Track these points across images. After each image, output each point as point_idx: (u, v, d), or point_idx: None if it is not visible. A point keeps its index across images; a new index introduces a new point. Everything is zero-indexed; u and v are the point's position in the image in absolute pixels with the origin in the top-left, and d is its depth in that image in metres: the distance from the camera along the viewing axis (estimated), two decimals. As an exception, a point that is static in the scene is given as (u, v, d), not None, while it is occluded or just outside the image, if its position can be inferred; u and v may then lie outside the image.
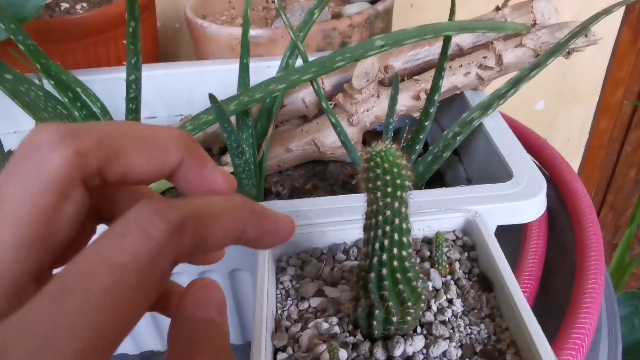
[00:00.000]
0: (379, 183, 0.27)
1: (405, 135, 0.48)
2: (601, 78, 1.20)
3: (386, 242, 0.29)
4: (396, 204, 0.28)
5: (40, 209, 0.15)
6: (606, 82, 1.22)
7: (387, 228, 0.28)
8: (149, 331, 0.49)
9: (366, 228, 0.29)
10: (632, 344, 0.58)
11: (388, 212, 0.28)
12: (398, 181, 0.27)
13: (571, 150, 1.31)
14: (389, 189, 0.27)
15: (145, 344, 0.50)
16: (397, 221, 0.28)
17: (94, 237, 0.17)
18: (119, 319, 0.14)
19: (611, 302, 0.53)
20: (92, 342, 0.13)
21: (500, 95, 0.46)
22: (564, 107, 1.20)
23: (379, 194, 0.27)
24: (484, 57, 0.50)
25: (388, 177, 0.27)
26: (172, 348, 0.17)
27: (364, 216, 0.29)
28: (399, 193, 0.27)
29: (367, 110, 0.52)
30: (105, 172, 0.17)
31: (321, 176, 0.56)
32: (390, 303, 0.30)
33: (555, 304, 0.50)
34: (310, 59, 0.44)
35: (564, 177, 0.60)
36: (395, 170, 0.27)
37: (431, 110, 0.45)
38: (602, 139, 1.36)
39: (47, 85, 0.49)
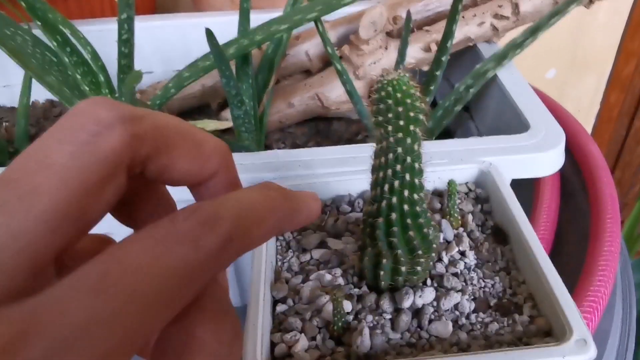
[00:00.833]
0: (390, 115, 0.25)
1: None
2: (614, 48, 1.16)
3: (396, 183, 0.26)
4: (408, 140, 0.25)
5: (85, 186, 0.14)
6: (619, 54, 1.19)
7: (398, 167, 0.26)
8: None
9: (374, 168, 0.27)
10: (646, 312, 0.56)
11: (399, 149, 0.25)
12: (411, 114, 0.25)
13: (581, 121, 1.28)
14: (401, 122, 0.25)
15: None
16: (409, 160, 0.26)
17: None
18: (154, 325, 0.13)
19: (626, 267, 0.51)
20: (123, 344, 0.12)
21: (517, 45, 0.43)
22: (575, 76, 1.17)
23: (389, 128, 0.25)
24: (500, 6, 0.47)
25: (400, 109, 0.24)
26: None
27: (373, 155, 0.27)
28: (412, 127, 0.25)
29: (374, 63, 0.49)
30: (149, 163, 0.16)
31: (325, 134, 0.54)
32: (399, 251, 0.28)
33: (566, 270, 0.48)
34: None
35: (578, 139, 0.58)
36: (408, 101, 0.24)
37: (443, 58, 0.42)
38: (611, 113, 1.33)
39: (36, 32, 0.46)
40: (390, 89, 0.24)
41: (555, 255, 0.49)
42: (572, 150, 0.58)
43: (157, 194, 0.19)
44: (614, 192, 0.51)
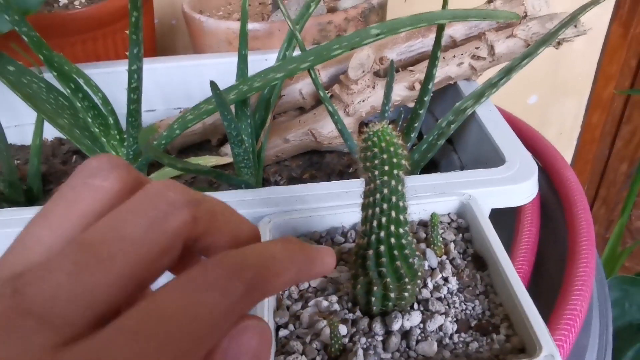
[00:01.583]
0: (376, 162, 0.28)
1: (400, 124, 0.49)
2: (592, 72, 1.22)
3: (384, 219, 0.30)
4: (393, 182, 0.29)
5: (151, 256, 0.17)
6: (597, 77, 1.24)
7: (385, 206, 0.29)
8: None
9: (364, 207, 0.31)
10: (623, 327, 0.59)
11: (385, 190, 0.29)
12: (394, 160, 0.28)
13: (564, 143, 1.33)
14: (386, 167, 0.28)
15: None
16: (394, 199, 0.29)
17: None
18: None
19: (602, 286, 0.55)
20: None
21: (493, 84, 0.47)
22: (556, 101, 1.22)
23: (376, 172, 0.29)
24: (477, 48, 0.52)
25: (385, 156, 0.28)
26: None
27: (362, 195, 0.30)
28: (395, 171, 0.28)
29: (363, 101, 0.53)
30: (198, 241, 0.19)
31: (318, 166, 0.58)
32: (388, 279, 0.31)
33: (547, 289, 0.51)
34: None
35: (555, 165, 0.61)
36: (391, 149, 0.28)
37: (425, 98, 0.46)
38: (594, 133, 1.38)
39: (49, 78, 0.49)
40: (375, 139, 0.28)
41: (537, 274, 0.52)
42: (551, 177, 0.62)
43: (194, 260, 0.22)
44: (589, 216, 0.55)
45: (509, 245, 0.52)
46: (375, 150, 0.28)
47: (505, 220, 0.55)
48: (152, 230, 0.17)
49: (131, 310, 0.15)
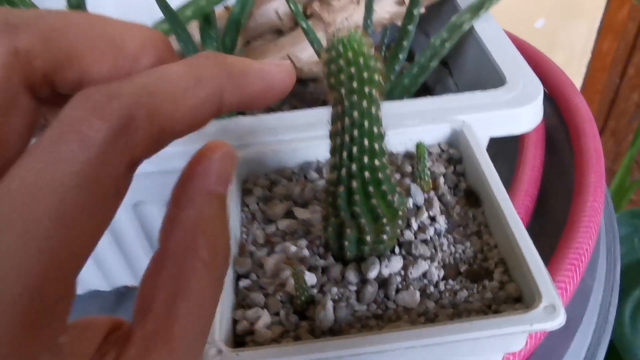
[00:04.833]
0: (342, 77, 0.23)
1: (386, 42, 0.43)
2: (606, -7, 1.13)
3: (355, 149, 0.25)
4: (364, 103, 0.23)
5: None
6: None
7: (355, 132, 0.24)
8: (121, 266, 0.46)
9: (332, 135, 0.25)
10: (631, 264, 0.55)
11: (355, 113, 0.24)
12: (365, 74, 0.23)
13: (572, 71, 1.25)
14: (355, 84, 0.23)
15: (119, 280, 0.48)
16: (366, 124, 0.24)
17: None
18: (74, 243, 0.12)
19: (611, 221, 0.50)
20: (46, 271, 0.11)
21: (493, -6, 0.41)
22: (565, 24, 1.14)
23: (343, 91, 0.23)
24: (476, -47, 0.45)
25: (353, 70, 0.23)
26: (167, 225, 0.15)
27: (329, 121, 0.25)
28: (367, 89, 0.23)
29: (347, 19, 0.46)
30: (55, 80, 0.14)
31: (300, 96, 0.52)
32: (363, 220, 0.26)
33: (552, 226, 0.47)
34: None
35: (564, 91, 0.56)
36: (361, 60, 0.23)
37: (415, 11, 0.40)
38: (604, 61, 1.30)
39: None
40: (341, 47, 0.22)
41: (540, 210, 0.48)
42: (558, 103, 0.57)
43: None
44: (599, 146, 0.50)
45: (511, 179, 0.48)
46: (341, 62, 0.23)
47: (507, 149, 0.50)
48: None
49: None
